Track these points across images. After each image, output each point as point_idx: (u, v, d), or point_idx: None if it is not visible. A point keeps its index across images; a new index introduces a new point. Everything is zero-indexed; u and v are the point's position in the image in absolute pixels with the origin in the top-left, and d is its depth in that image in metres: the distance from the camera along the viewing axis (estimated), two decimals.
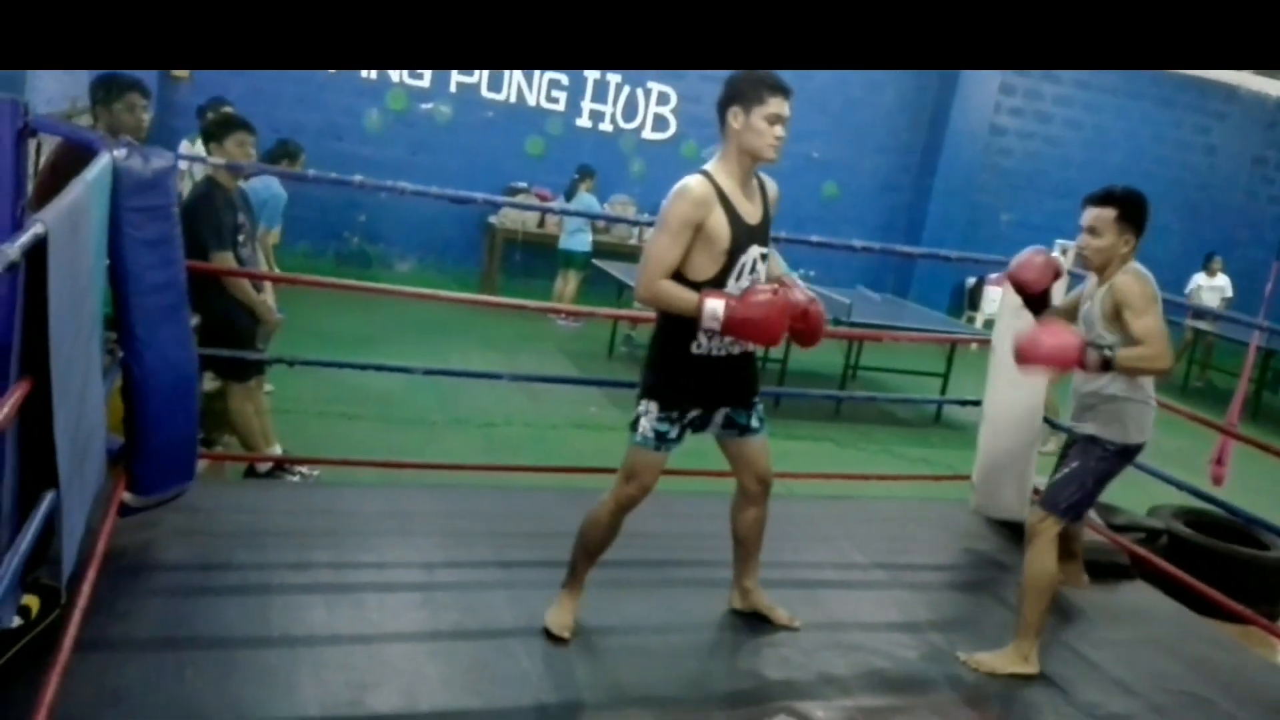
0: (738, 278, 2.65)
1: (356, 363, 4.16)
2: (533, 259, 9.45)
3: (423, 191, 3.69)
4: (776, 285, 2.67)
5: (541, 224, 9.37)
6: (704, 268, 2.62)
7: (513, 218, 9.33)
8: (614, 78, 9.78)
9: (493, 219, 9.41)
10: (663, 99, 10.00)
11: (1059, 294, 3.78)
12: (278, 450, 4.42)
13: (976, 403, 4.38)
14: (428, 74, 9.20)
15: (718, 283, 2.63)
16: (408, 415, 5.62)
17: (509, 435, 5.65)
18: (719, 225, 2.60)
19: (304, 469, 4.45)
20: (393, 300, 7.92)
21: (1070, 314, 3.29)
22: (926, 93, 10.66)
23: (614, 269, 8.18)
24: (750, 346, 2.77)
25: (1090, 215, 3.04)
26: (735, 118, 2.60)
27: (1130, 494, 4.86)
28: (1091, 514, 4.09)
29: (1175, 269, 11.17)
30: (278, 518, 3.40)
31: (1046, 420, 4.19)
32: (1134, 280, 2.95)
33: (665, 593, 3.28)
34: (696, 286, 2.61)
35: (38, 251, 1.84)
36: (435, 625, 2.85)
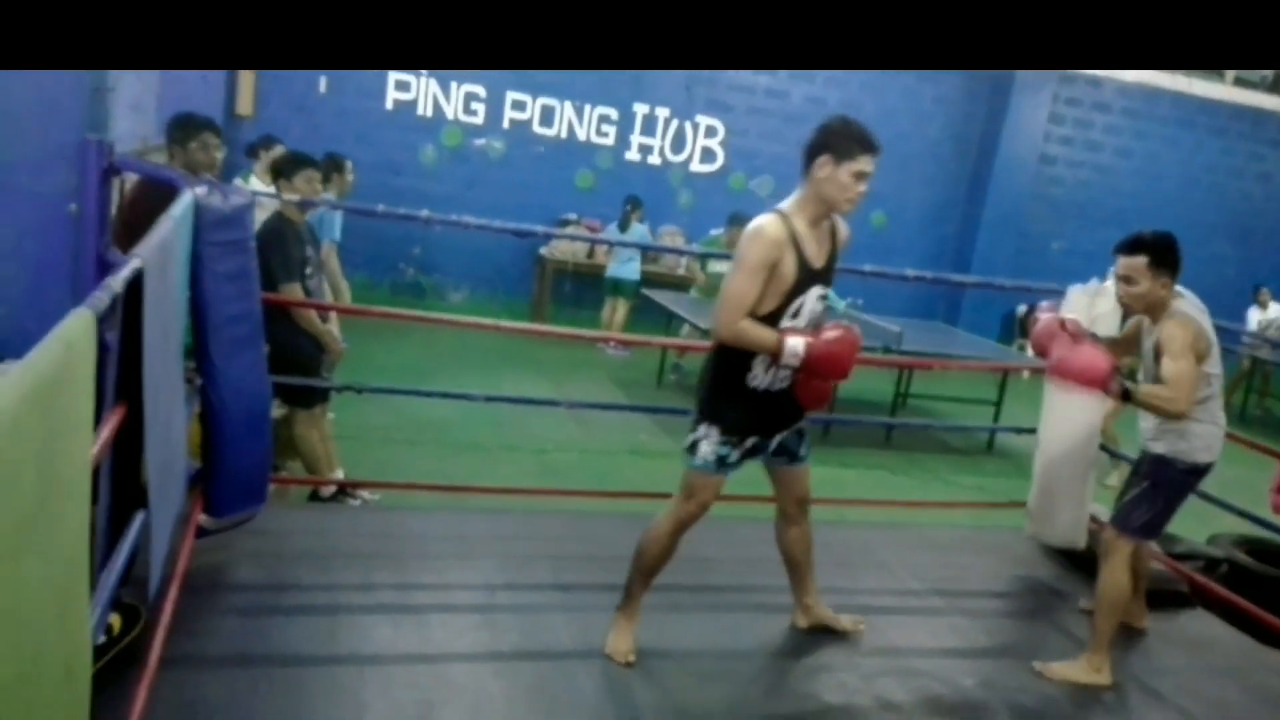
0: (794, 315, 2.74)
1: (421, 390, 4.28)
2: (582, 289, 9.58)
3: (485, 225, 3.81)
4: (846, 322, 2.80)
5: (591, 254, 9.50)
6: (764, 304, 2.70)
7: (563, 249, 9.47)
8: (662, 111, 9.92)
9: (543, 250, 9.56)
10: (711, 132, 10.12)
11: (1111, 321, 3.80)
12: (341, 475, 4.53)
13: (1031, 430, 4.38)
14: (481, 110, 9.41)
15: (773, 319, 2.72)
16: (464, 441, 5.73)
17: (561, 461, 5.73)
18: (788, 266, 2.67)
19: (366, 493, 4.56)
20: (446, 330, 8.07)
21: (1130, 343, 3.33)
22: (974, 122, 10.66)
23: (662, 298, 8.26)
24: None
25: (1122, 265, 3.11)
26: (823, 167, 2.65)
27: (1190, 523, 4.80)
28: (1151, 543, 4.07)
29: (1231, 298, 11.01)
30: (343, 540, 3.50)
31: (1105, 449, 4.17)
32: (1176, 327, 3.02)
33: (722, 616, 3.32)
34: (759, 320, 2.70)
35: (134, 285, 1.95)
36: (497, 646, 2.91)
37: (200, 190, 2.81)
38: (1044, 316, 3.43)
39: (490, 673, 2.78)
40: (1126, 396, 3.00)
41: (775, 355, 2.68)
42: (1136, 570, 3.55)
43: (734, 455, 2.83)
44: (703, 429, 2.83)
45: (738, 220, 8.35)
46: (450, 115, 9.35)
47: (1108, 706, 3.10)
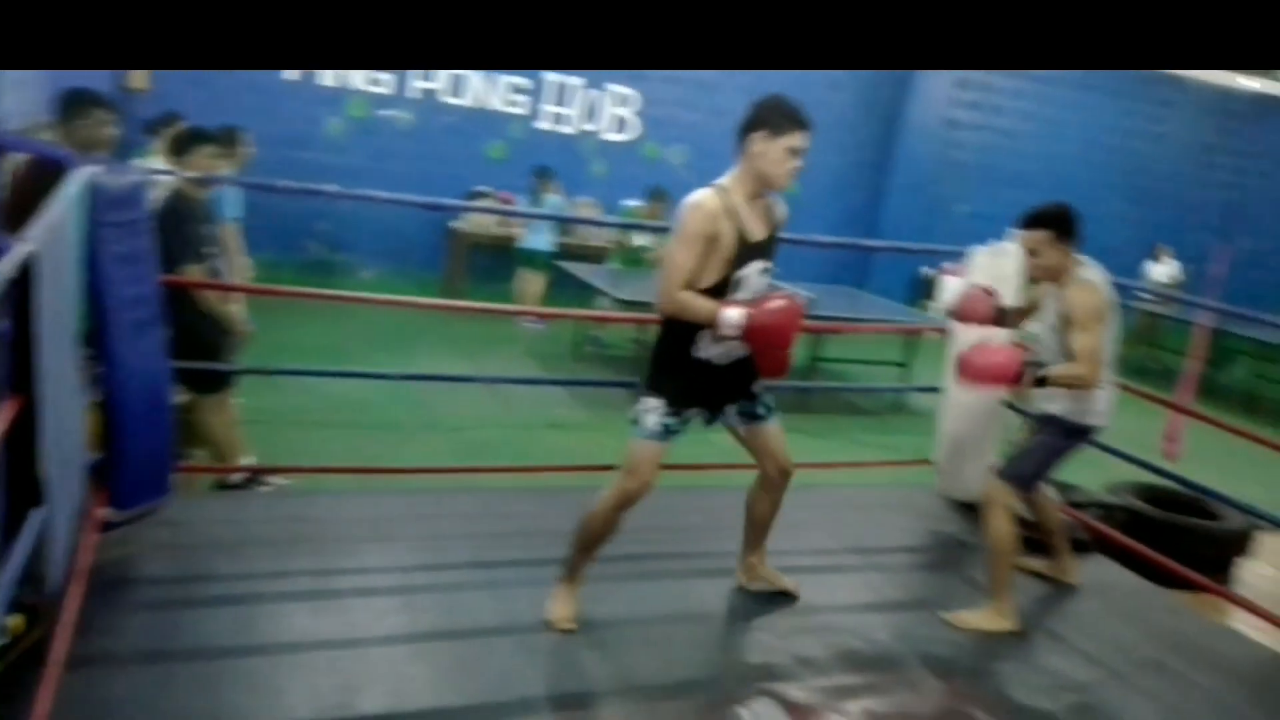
0: (736, 289, 2.78)
1: (331, 370, 4.20)
2: (496, 262, 9.48)
3: (394, 199, 3.75)
4: (789, 294, 2.84)
5: (504, 227, 9.40)
6: (705, 277, 2.75)
7: (475, 222, 9.35)
8: (575, 80, 9.83)
9: (455, 223, 9.43)
10: (624, 101, 10.07)
11: (1014, 282, 3.92)
12: (250, 461, 4.43)
13: (936, 389, 4.50)
14: (388, 80, 9.20)
15: (717, 292, 2.76)
16: (378, 422, 5.65)
17: (480, 438, 5.69)
18: (726, 238, 2.73)
19: (277, 478, 4.47)
20: (357, 308, 7.92)
21: (1032, 309, 3.44)
22: (883, 89, 10.81)
23: (578, 269, 8.24)
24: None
25: (1026, 239, 3.23)
26: (757, 143, 2.73)
27: (1089, 472, 5.00)
28: (1051, 492, 4.24)
29: (1129, 255, 11.43)
30: (255, 527, 3.44)
31: (1012, 406, 4.31)
32: (1085, 294, 3.15)
33: (640, 585, 3.35)
34: (701, 294, 2.74)
35: (24, 270, 1.88)
36: (418, 627, 2.90)
37: (93, 169, 2.71)
38: (958, 283, 3.52)
39: (411, 654, 2.77)
40: (1041, 383, 3.14)
41: (714, 326, 2.73)
42: (1050, 526, 3.73)
43: (676, 423, 2.88)
44: (648, 401, 2.87)
45: (658, 195, 8.36)
46: (355, 85, 9.12)
47: (1014, 651, 3.23)
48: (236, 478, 4.40)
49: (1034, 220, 3.22)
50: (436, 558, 3.34)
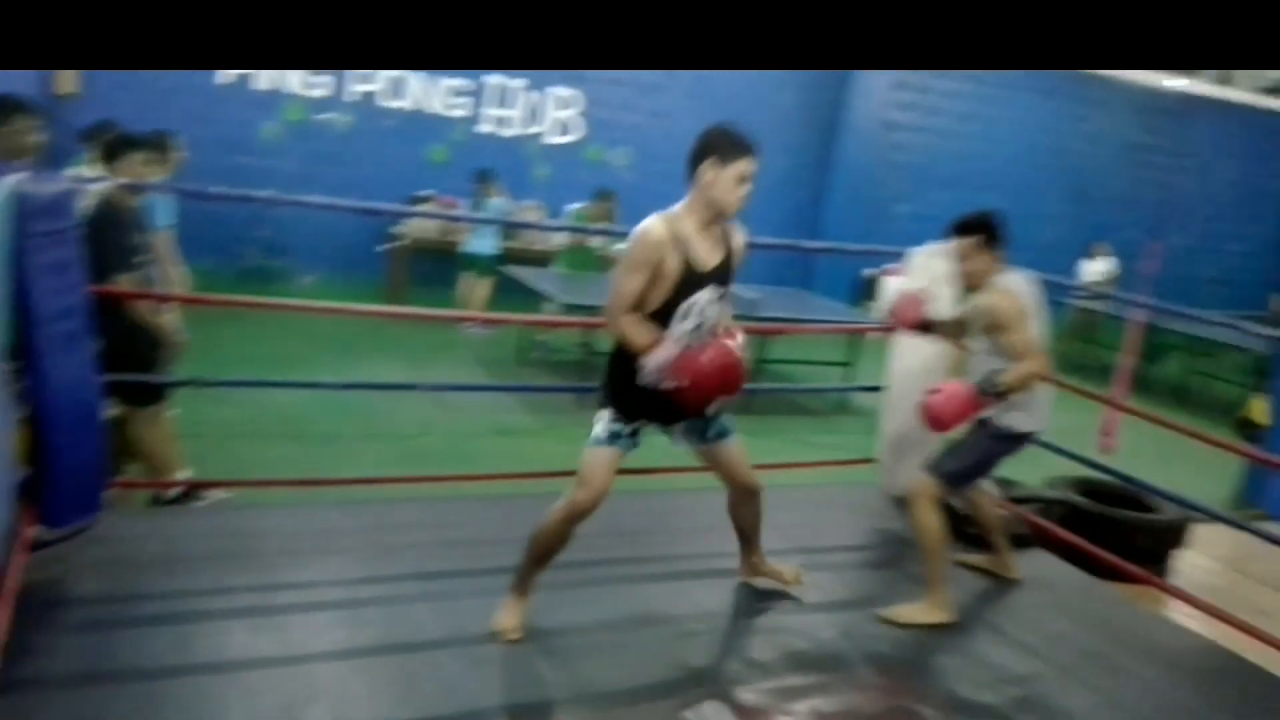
0: (684, 317, 2.79)
1: (269, 381, 4.12)
2: (440, 268, 9.38)
3: (331, 205, 3.69)
4: (724, 338, 2.83)
5: (447, 232, 9.31)
6: (652, 302, 2.77)
7: (417, 227, 9.25)
8: (517, 82, 9.78)
9: (396, 229, 9.32)
10: (567, 103, 10.04)
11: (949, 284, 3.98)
12: (187, 475, 4.33)
13: (879, 388, 4.55)
14: (325, 83, 9.07)
15: (663, 315, 2.78)
16: (320, 433, 5.55)
17: (424, 446, 5.62)
18: (671, 266, 2.74)
19: (215, 492, 4.37)
20: (299, 317, 7.80)
21: (961, 324, 3.52)
22: (823, 91, 10.91)
23: (523, 274, 8.19)
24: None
25: (956, 245, 3.37)
26: (707, 172, 2.76)
27: (1029, 468, 5.09)
28: (992, 488, 4.31)
29: (1065, 253, 11.68)
30: (192, 543, 3.35)
31: None
32: (1002, 299, 3.29)
33: (588, 591, 3.33)
34: (649, 318, 2.78)
35: None
36: (360, 641, 2.85)
37: (18, 178, 2.63)
38: (897, 284, 3.58)
39: (354, 669, 2.72)
40: (1002, 396, 3.24)
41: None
42: (989, 523, 3.79)
43: (626, 432, 2.90)
44: (604, 413, 2.91)
45: (604, 195, 8.36)
46: (291, 89, 8.98)
47: (958, 646, 3.27)
48: (173, 492, 4.29)
49: (962, 227, 3.37)
50: (380, 570, 3.29)
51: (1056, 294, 11.43)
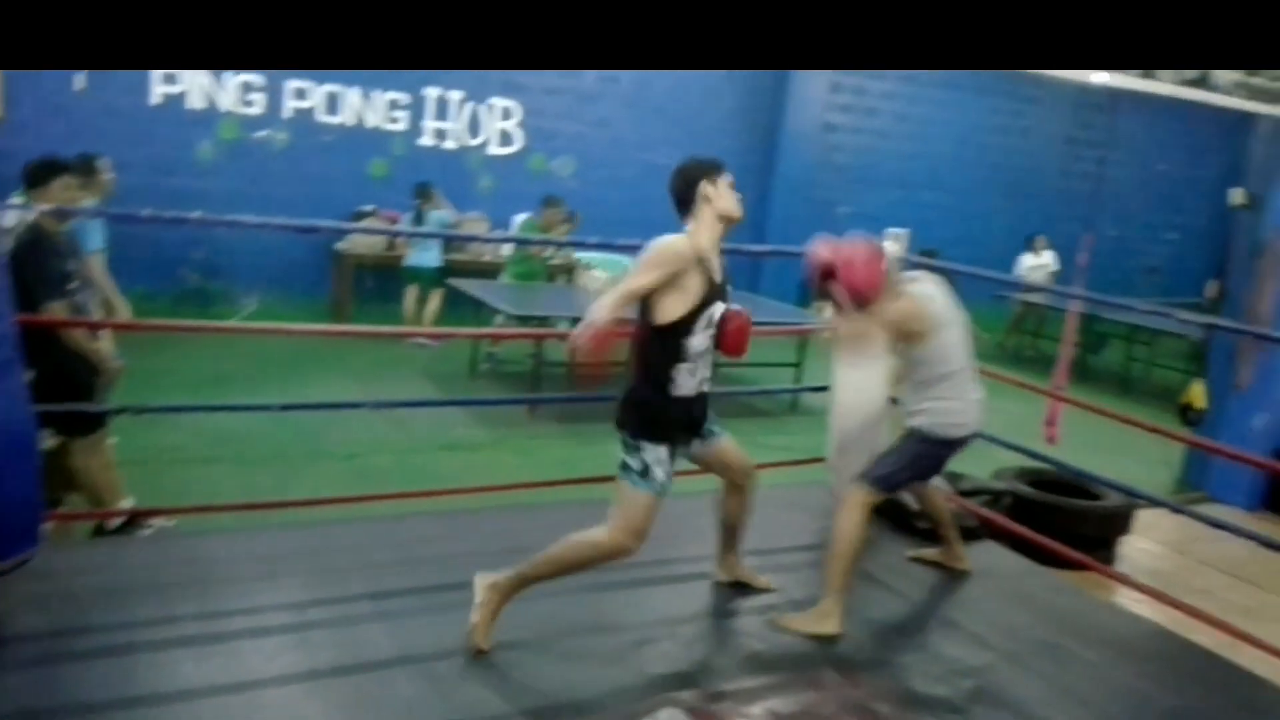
0: (707, 327, 2.92)
1: (206, 405, 4.04)
2: (385, 283, 9.30)
3: (266, 223, 3.65)
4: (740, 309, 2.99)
5: (391, 247, 9.24)
6: (675, 313, 2.86)
7: (361, 243, 9.16)
8: (455, 94, 9.73)
9: (340, 245, 9.22)
10: (507, 114, 10.00)
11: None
12: (129, 504, 4.24)
13: (827, 388, 4.58)
14: (259, 100, 8.94)
15: (686, 328, 2.88)
16: (266, 455, 5.46)
17: (374, 465, 5.56)
18: (694, 282, 2.86)
19: (158, 520, 4.28)
20: (240, 339, 7.68)
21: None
22: (761, 95, 11.00)
23: (470, 286, 8.15)
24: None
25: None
26: (707, 190, 2.96)
27: (979, 461, 5.16)
28: (940, 482, 4.36)
29: (1001, 248, 11.90)
30: (135, 573, 3.28)
31: (898, 401, 4.42)
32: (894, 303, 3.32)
33: (543, 603, 3.29)
34: (667, 329, 2.87)
35: None
36: (311, 664, 2.80)
37: None
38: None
39: (306, 693, 2.68)
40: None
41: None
42: (939, 517, 3.84)
43: (670, 470, 2.95)
44: (648, 452, 2.89)
45: (550, 202, 8.34)
46: (225, 107, 8.84)
47: (910, 640, 3.31)
48: (115, 522, 4.20)
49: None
50: (330, 591, 3.24)
51: (997, 288, 11.66)
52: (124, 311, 5.23)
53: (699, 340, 2.91)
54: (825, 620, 3.25)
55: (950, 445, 3.42)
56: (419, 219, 8.66)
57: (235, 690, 2.65)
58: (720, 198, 2.96)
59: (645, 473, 2.89)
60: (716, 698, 2.83)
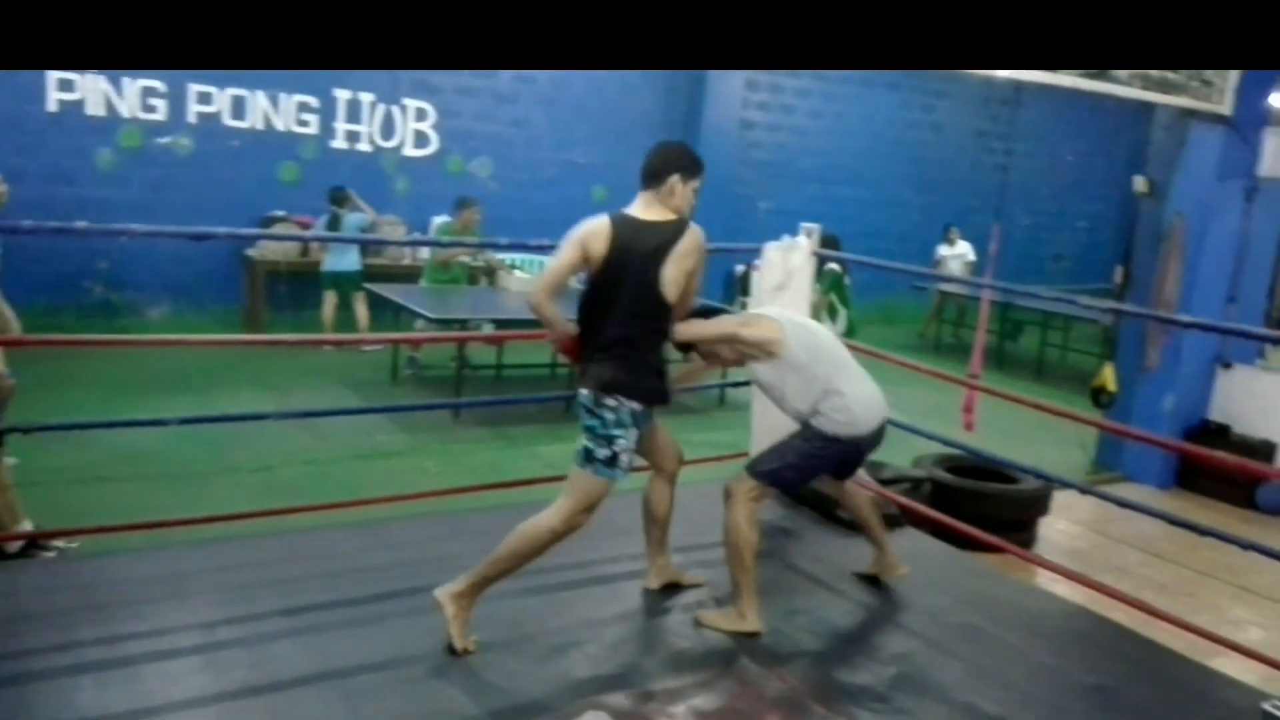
0: None
1: (102, 422, 3.88)
2: (299, 290, 9.07)
3: (157, 231, 3.52)
4: None
5: (305, 253, 9.02)
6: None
7: (273, 249, 8.92)
8: (366, 96, 9.52)
9: (251, 252, 8.97)
10: (421, 115, 9.84)
11: (805, 274, 4.07)
12: (28, 526, 4.05)
13: (749, 383, 4.58)
14: (162, 106, 8.64)
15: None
16: (174, 471, 5.27)
17: (289, 477, 5.40)
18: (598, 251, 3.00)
19: (60, 542, 4.10)
20: (153, 352, 7.42)
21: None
22: (679, 94, 11.01)
23: (388, 290, 8.00)
24: None
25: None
26: (678, 184, 3.11)
27: (897, 450, 5.22)
28: (861, 472, 4.39)
29: (919, 240, 12.11)
30: (34, 599, 3.12)
31: None
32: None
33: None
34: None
35: None
36: (220, 686, 2.70)
37: None
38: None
39: (215, 715, 2.59)
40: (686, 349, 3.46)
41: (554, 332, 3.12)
42: (868, 520, 3.70)
43: (633, 446, 3.03)
44: (624, 439, 2.94)
45: (464, 204, 8.21)
46: (126, 114, 8.52)
47: (833, 630, 3.32)
48: (12, 546, 4.00)
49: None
50: (241, 610, 3.12)
51: (916, 280, 11.84)
52: (14, 327, 4.99)
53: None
54: (743, 620, 3.23)
55: (839, 443, 3.30)
56: (334, 224, 8.46)
57: (138, 716, 2.54)
58: (679, 197, 3.12)
59: (613, 461, 2.94)
60: (641, 699, 2.79)
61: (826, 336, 3.53)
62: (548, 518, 2.93)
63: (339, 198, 8.55)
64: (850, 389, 3.32)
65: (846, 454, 3.38)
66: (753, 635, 3.19)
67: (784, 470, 3.33)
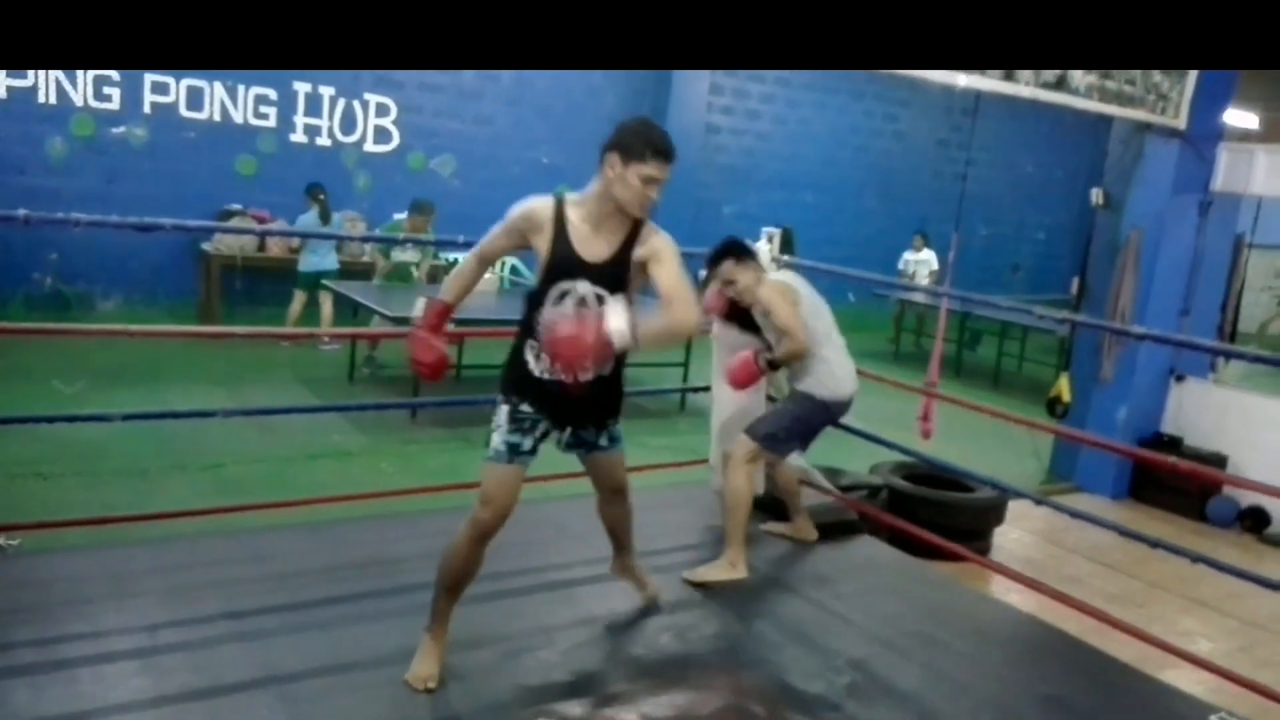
0: (556, 302, 2.63)
1: (44, 416, 3.77)
2: (255, 284, 8.92)
3: (101, 221, 3.41)
4: (586, 310, 2.59)
5: (262, 247, 8.87)
6: (536, 278, 2.74)
7: (229, 243, 8.76)
8: (326, 89, 9.40)
9: (207, 246, 8.80)
10: (382, 110, 9.73)
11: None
12: None
13: (708, 388, 4.56)
14: (116, 95, 8.47)
15: (538, 299, 2.67)
16: (119, 467, 5.14)
17: (239, 475, 5.29)
18: (542, 247, 2.67)
19: None
20: (103, 345, 7.24)
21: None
22: (644, 96, 10.99)
23: (347, 288, 7.89)
24: (589, 372, 2.59)
25: (719, 273, 3.78)
26: (612, 166, 2.61)
27: (855, 457, 5.23)
28: (819, 478, 4.40)
29: (881, 246, 12.18)
30: None
31: (773, 399, 4.43)
32: (764, 289, 3.74)
33: (410, 620, 3.16)
34: (527, 297, 2.75)
35: None
36: (160, 690, 2.62)
37: None
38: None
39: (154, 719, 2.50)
40: (774, 366, 3.76)
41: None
42: (788, 488, 4.09)
43: (526, 442, 2.72)
44: (495, 418, 2.72)
45: (419, 207, 8.09)
46: (79, 102, 8.33)
47: (789, 636, 3.30)
48: None
49: (715, 258, 3.79)
50: (183, 611, 3.03)
51: (879, 288, 11.89)
52: None
53: (547, 313, 2.60)
54: (733, 569, 3.63)
55: (829, 409, 3.80)
56: (325, 218, 8.27)
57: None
58: (620, 182, 2.59)
59: (488, 440, 2.74)
60: (592, 705, 2.75)
61: (821, 300, 3.92)
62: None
63: (317, 193, 8.35)
64: (833, 355, 3.81)
65: (825, 420, 3.84)
66: (740, 581, 3.60)
67: (781, 433, 3.76)
